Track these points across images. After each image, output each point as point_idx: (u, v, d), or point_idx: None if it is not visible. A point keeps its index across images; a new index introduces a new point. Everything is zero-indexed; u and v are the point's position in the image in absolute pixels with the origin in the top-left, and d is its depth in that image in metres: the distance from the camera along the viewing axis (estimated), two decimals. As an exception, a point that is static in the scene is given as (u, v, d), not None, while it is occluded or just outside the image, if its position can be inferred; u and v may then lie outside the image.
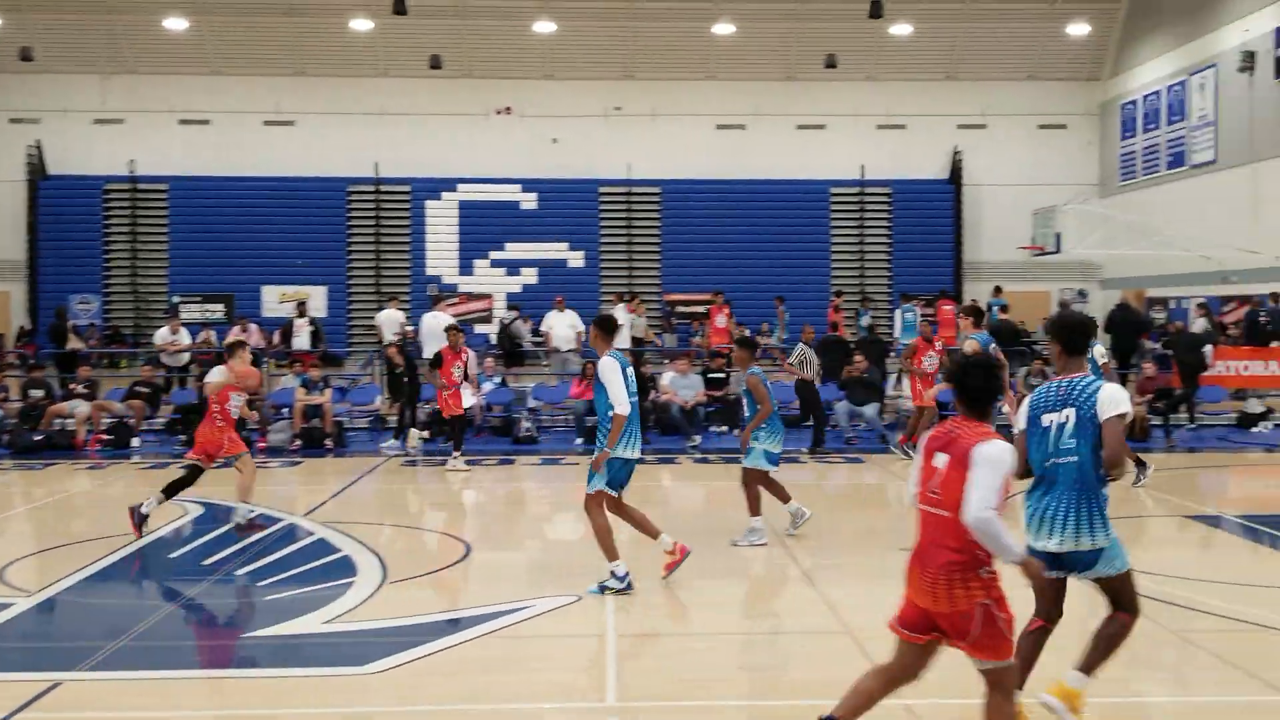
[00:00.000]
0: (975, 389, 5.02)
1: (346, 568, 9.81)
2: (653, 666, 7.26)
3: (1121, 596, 5.92)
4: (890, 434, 18.81)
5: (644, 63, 32.48)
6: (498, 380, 20.59)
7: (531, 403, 20.04)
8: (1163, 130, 30.31)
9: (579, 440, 18.45)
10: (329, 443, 18.38)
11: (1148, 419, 18.83)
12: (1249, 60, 25.99)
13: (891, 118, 32.77)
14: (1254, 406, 20.47)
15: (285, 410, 19.06)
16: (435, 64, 30.56)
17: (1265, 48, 25.54)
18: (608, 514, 8.77)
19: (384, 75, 32.06)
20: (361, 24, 30.04)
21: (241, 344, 12.55)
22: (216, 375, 11.77)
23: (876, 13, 27.71)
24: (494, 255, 31.61)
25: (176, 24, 30.25)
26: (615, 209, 32.28)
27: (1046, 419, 5.69)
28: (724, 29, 30.54)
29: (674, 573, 9.02)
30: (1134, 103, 31.81)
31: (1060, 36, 32.02)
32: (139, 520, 10.86)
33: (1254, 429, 19.96)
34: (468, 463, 16.07)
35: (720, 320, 25.16)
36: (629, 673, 7.07)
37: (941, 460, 4.94)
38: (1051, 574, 5.69)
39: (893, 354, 21.97)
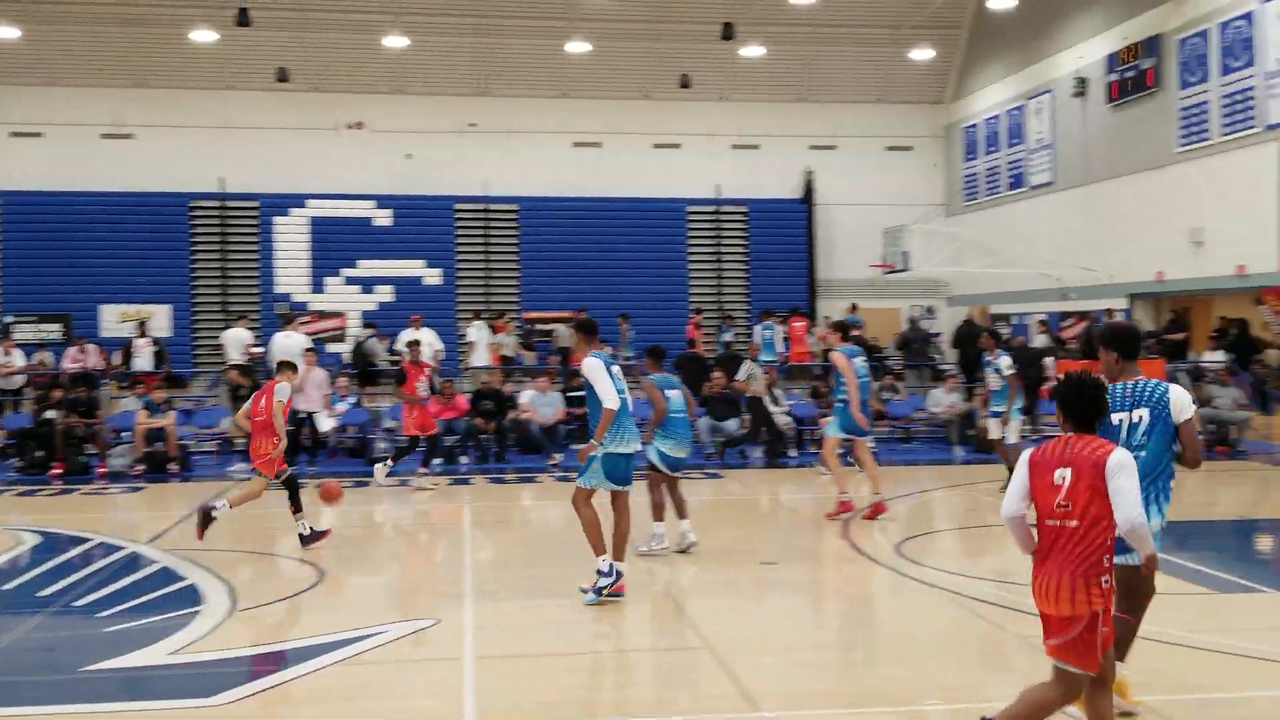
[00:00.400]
0: (1082, 406, 5.32)
1: (192, 596, 9.46)
2: (512, 689, 7.13)
3: (1146, 584, 6.25)
4: (748, 448, 19.05)
5: (498, 79, 32.32)
6: (352, 400, 20.14)
7: (388, 423, 19.66)
8: (1003, 152, 31.49)
9: (437, 461, 18.16)
10: (173, 467, 17.73)
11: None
12: (1082, 86, 27.19)
13: (745, 137, 33.28)
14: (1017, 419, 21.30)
15: (126, 434, 18.29)
16: (282, 77, 29.82)
17: (1097, 74, 26.77)
18: (585, 508, 9.04)
19: (229, 88, 31.14)
20: (204, 35, 29.09)
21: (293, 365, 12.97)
22: (285, 393, 12.11)
23: (728, 35, 28.13)
24: (347, 273, 30.94)
25: (8, 32, 28.87)
26: (472, 226, 31.98)
27: (1116, 417, 6.17)
28: (579, 47, 30.60)
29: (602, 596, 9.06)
30: (976, 126, 32.98)
31: (906, 61, 33.00)
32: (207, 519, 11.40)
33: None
34: (432, 482, 15.98)
35: (580, 338, 25.09)
36: (487, 696, 6.92)
37: (1064, 474, 5.19)
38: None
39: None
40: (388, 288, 30.85)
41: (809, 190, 33.38)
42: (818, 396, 19.93)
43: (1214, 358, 21.35)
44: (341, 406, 19.59)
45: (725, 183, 32.81)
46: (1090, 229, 27.04)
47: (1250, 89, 21.92)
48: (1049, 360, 21.04)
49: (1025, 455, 5.45)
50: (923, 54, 32.46)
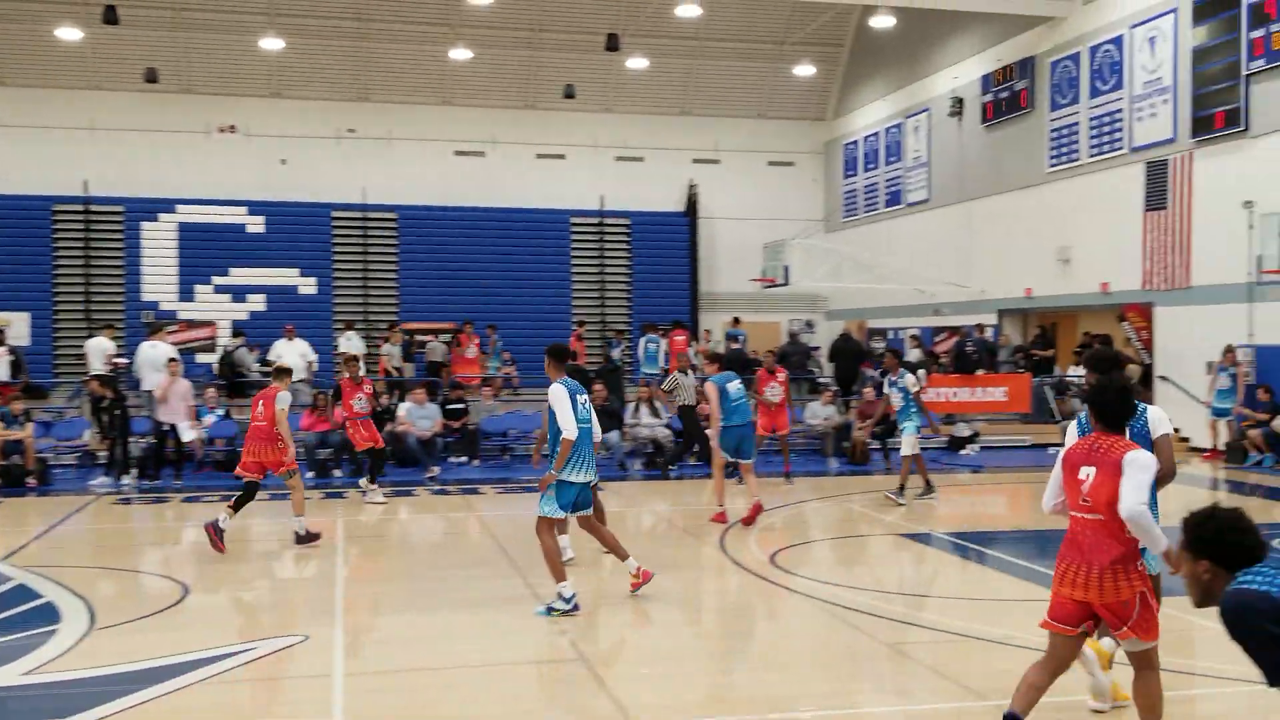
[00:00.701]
0: (1111, 409, 5.68)
1: (49, 614, 9.04)
2: (383, 704, 6.93)
3: None
4: (629, 460, 19.02)
5: (378, 85, 31.87)
6: (221, 413, 19.55)
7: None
8: (882, 170, 32.13)
9: (310, 474, 17.72)
10: (31, 481, 16.99)
11: (867, 443, 19.77)
12: (958, 106, 27.90)
13: (629, 149, 33.37)
14: (962, 430, 21.84)
15: (-20, 446, 17.45)
16: (151, 77, 28.85)
17: (973, 95, 27.49)
18: (546, 536, 9.07)
19: (95, 88, 30.09)
20: (69, 33, 28.05)
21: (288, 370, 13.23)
22: (285, 401, 12.29)
23: (613, 46, 28.17)
24: (218, 281, 30.09)
25: None
26: (349, 234, 31.40)
27: None
28: (461, 54, 30.33)
29: (639, 590, 9.39)
30: (855, 143, 33.60)
31: (789, 77, 33.47)
32: (218, 534, 11.70)
33: (962, 451, 21.30)
34: (384, 496, 15.45)
35: (470, 351, 24.82)
36: (357, 714, 6.71)
37: (1088, 472, 5.52)
38: None
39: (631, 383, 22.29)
40: (260, 296, 30.11)
41: (692, 203, 33.61)
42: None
43: (1078, 373, 22.02)
44: (209, 419, 19.00)
45: (609, 194, 32.83)
46: (963, 246, 27.72)
47: (1118, 112, 22.72)
48: (922, 373, 21.45)
49: (1061, 453, 5.81)
50: (804, 70, 32.96)
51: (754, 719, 6.66)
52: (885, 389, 15.99)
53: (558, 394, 8.98)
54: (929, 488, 15.27)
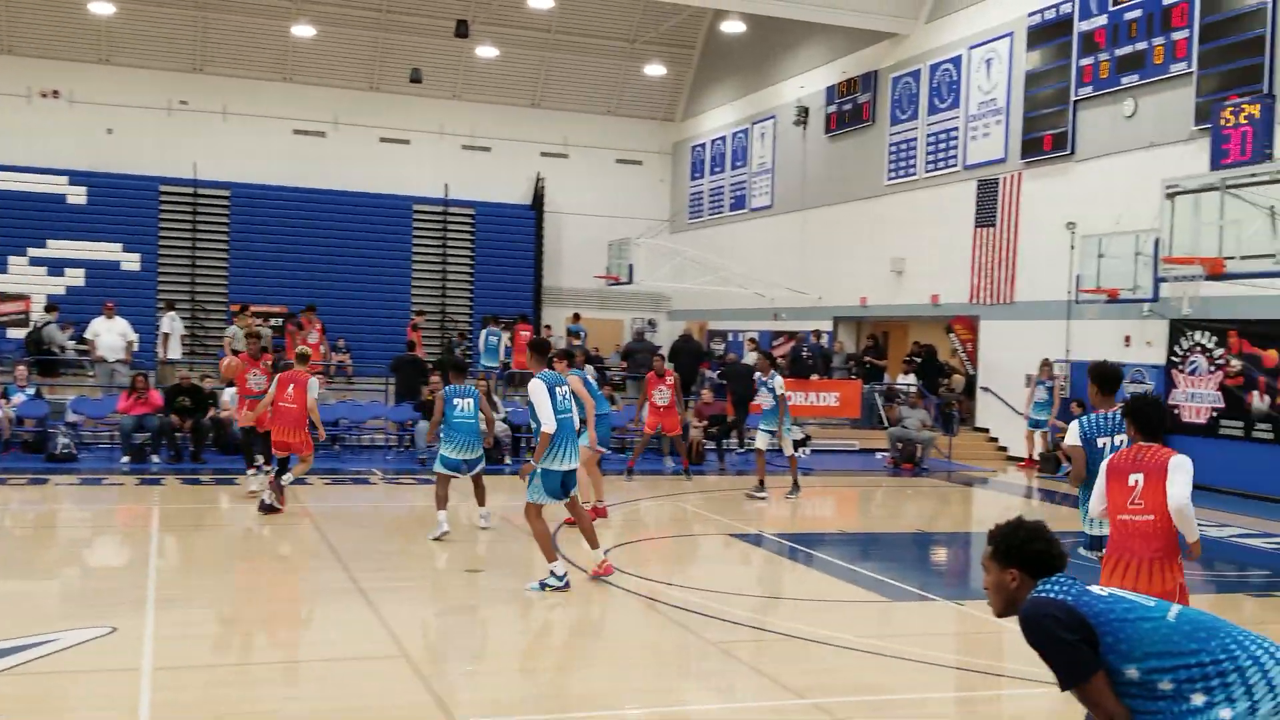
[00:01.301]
0: (1152, 420, 6.30)
1: None
2: (192, 701, 6.60)
3: None
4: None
5: (215, 57, 30.73)
6: (31, 391, 18.50)
7: (71, 416, 18.16)
8: (727, 174, 32.52)
9: (125, 459, 16.92)
10: None
11: (704, 443, 19.95)
12: (803, 115, 28.42)
13: (476, 138, 32.99)
14: (795, 434, 22.20)
15: None
16: (-29, 35, 27.22)
17: (817, 105, 28.04)
18: (536, 520, 9.48)
19: (-94, 42, 28.26)
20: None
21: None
22: (315, 389, 12.93)
23: (462, 32, 27.78)
24: (34, 253, 28.53)
25: None
26: (178, 210, 30.17)
27: (1101, 440, 7.28)
28: (304, 31, 29.48)
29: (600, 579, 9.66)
30: (703, 145, 33.93)
31: (639, 76, 33.58)
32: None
33: (795, 454, 21.65)
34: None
35: (313, 336, 24.09)
36: (165, 709, 6.38)
37: (1137, 479, 6.08)
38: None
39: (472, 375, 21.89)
40: (79, 271, 28.70)
41: (539, 197, 33.43)
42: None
43: (906, 381, 22.68)
44: (18, 397, 17.96)
45: (454, 183, 32.41)
46: (803, 253, 28.26)
47: (954, 130, 23.47)
48: (759, 376, 21.73)
49: (1104, 463, 6.34)
50: (655, 70, 33.13)
51: (579, 715, 6.59)
52: (758, 389, 16.57)
53: (536, 388, 9.35)
54: (795, 488, 15.94)
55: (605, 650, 8.29)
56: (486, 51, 31.15)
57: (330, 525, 12.51)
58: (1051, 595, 3.64)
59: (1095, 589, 3.69)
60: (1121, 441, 7.12)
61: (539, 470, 9.44)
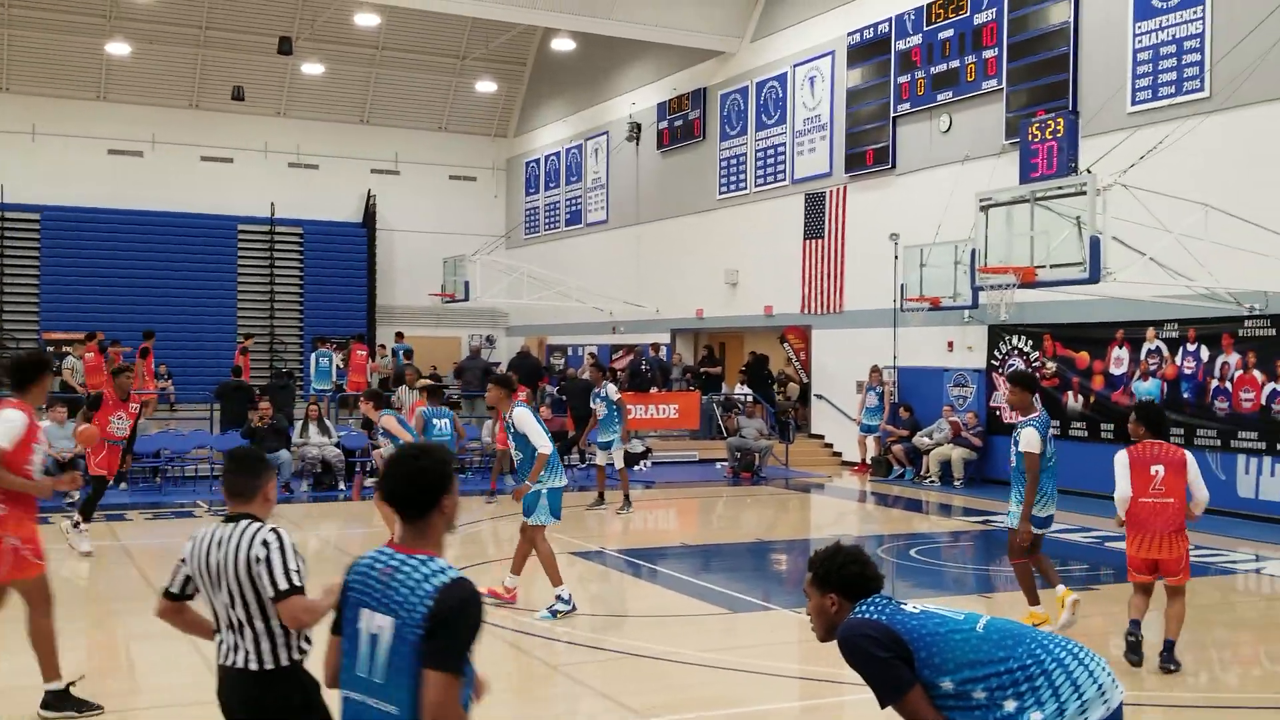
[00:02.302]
0: (1158, 421, 8.08)
1: None
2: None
3: (1037, 542, 8.99)
4: (295, 482, 18.19)
5: (23, 74, 29.27)
6: None
7: None
8: (562, 189, 32.52)
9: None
10: None
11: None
12: (636, 131, 28.63)
13: (303, 156, 32.22)
14: (636, 447, 22.29)
15: None
16: None
17: (649, 121, 28.28)
18: (543, 543, 9.52)
19: None
20: None
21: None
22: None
23: (286, 49, 27.10)
24: None
25: None
26: (-14, 235, 28.59)
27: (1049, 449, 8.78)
28: (119, 48, 28.31)
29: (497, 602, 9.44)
30: (537, 161, 33.86)
31: (470, 92, 33.33)
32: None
33: (635, 467, 21.74)
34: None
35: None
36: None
37: (1158, 469, 7.73)
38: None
39: (301, 398, 21.40)
40: (-126, 299, 26.92)
41: (370, 214, 32.83)
42: (369, 427, 19.43)
43: (743, 390, 23.01)
44: None
45: (281, 202, 31.58)
46: (639, 267, 28.45)
47: (781, 145, 23.97)
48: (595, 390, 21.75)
49: (1124, 456, 7.87)
50: (486, 87, 32.93)
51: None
52: (592, 401, 16.63)
53: (523, 418, 9.50)
54: (626, 501, 15.96)
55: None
56: (312, 68, 30.47)
57: (151, 563, 11.95)
58: (867, 616, 3.71)
59: (908, 607, 3.78)
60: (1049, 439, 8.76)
61: (544, 491, 9.51)
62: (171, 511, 15.95)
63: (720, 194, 25.83)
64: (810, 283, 23.10)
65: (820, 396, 23.09)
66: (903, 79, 20.84)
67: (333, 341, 25.67)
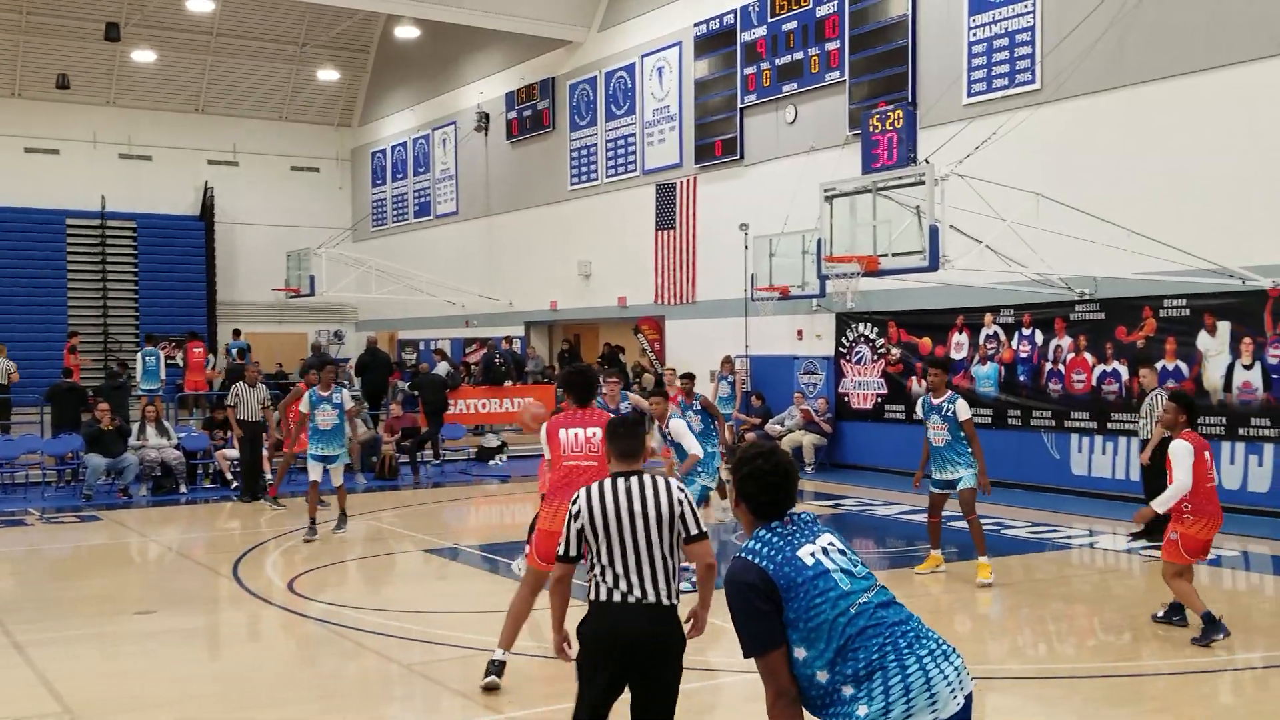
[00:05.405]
0: (1194, 410, 8.64)
1: None
2: None
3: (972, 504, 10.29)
4: (134, 486, 17.45)
5: None
6: None
7: None
8: (410, 180, 31.98)
9: None
10: None
11: (396, 457, 19.49)
12: (484, 121, 28.32)
13: (135, 147, 30.96)
14: (491, 441, 22.11)
15: None
16: None
17: (498, 111, 28.01)
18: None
19: None
20: None
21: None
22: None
23: (113, 35, 25.98)
24: None
25: None
26: None
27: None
28: (-68, 32, 26.75)
29: None
30: (384, 151, 33.23)
31: (312, 81, 32.51)
32: None
33: (490, 462, 21.56)
34: None
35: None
36: None
37: (1207, 455, 8.29)
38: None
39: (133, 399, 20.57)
40: None
41: (208, 207, 31.76)
42: (211, 428, 18.81)
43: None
44: None
45: (112, 194, 30.30)
46: (491, 259, 28.20)
47: (632, 136, 24.01)
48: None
49: (1189, 445, 8.17)
50: (328, 75, 32.19)
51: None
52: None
53: (679, 425, 10.52)
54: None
55: (296, 686, 7.87)
56: (143, 55, 29.29)
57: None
58: (752, 559, 3.57)
59: (806, 554, 3.58)
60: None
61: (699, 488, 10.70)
62: (1, 520, 15.11)
63: (571, 185, 25.76)
64: (663, 273, 23.23)
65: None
66: (749, 70, 21.08)
67: (169, 340, 24.73)
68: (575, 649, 4.86)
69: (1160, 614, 8.66)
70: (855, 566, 3.64)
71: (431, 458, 20.59)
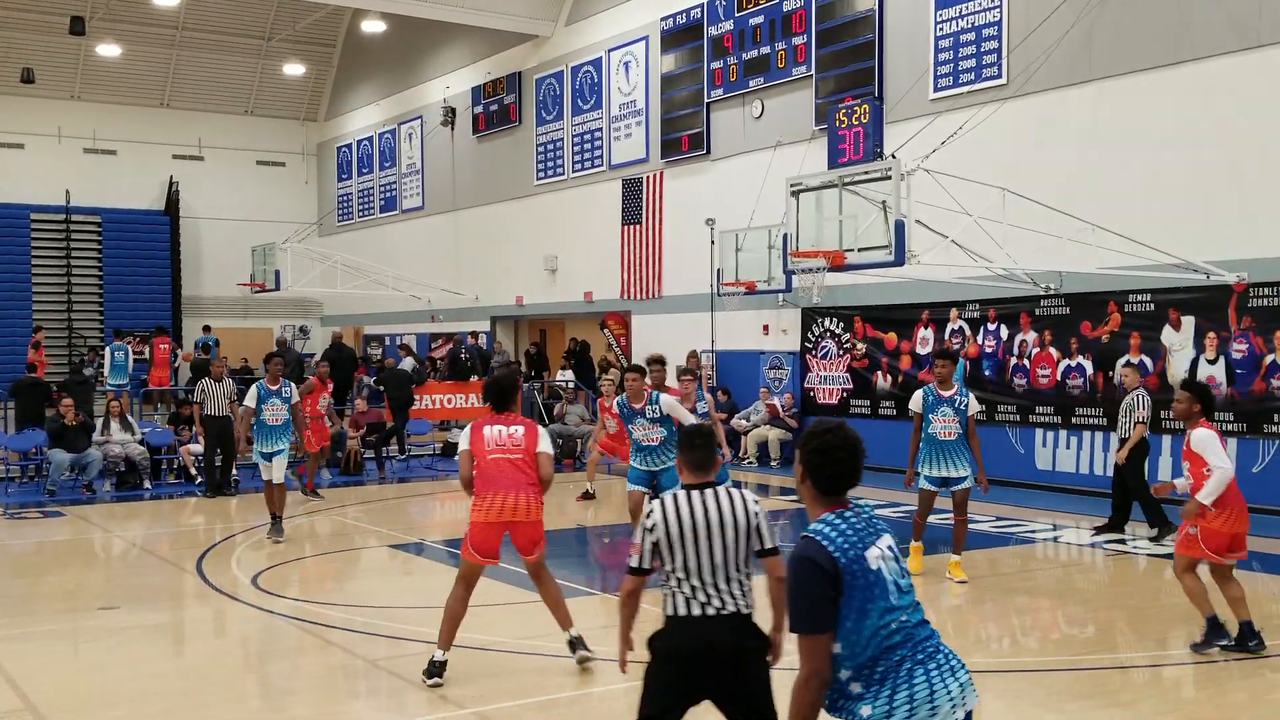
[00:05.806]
0: (1210, 399, 8.13)
1: None
2: None
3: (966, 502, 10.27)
4: (98, 481, 17.29)
5: None
6: None
7: None
8: (376, 175, 31.83)
9: None
10: None
11: (361, 452, 19.42)
12: (450, 115, 28.22)
13: (99, 141, 30.67)
14: (456, 436, 22.04)
15: None
16: None
17: (464, 105, 27.92)
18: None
19: None
20: None
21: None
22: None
23: (78, 29, 25.71)
24: None
25: None
26: None
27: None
28: (-109, 24, 26.38)
29: None
30: (350, 146, 33.05)
31: (277, 75, 32.29)
32: None
33: (456, 457, 21.51)
34: None
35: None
36: None
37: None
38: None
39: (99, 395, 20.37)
40: None
41: (173, 201, 31.51)
42: (176, 423, 18.66)
43: (565, 376, 23.00)
44: None
45: (77, 189, 30.02)
46: (457, 254, 28.11)
47: (598, 130, 23.99)
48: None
49: (1214, 434, 7.80)
50: (294, 69, 31.99)
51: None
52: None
53: (669, 402, 10.20)
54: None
55: (261, 682, 7.84)
56: (108, 49, 29.00)
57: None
58: (824, 542, 3.55)
59: (872, 557, 3.58)
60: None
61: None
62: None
63: (538, 179, 25.71)
64: (629, 268, 23.23)
65: (641, 381, 23.21)
66: (716, 65, 21.11)
67: (135, 335, 24.53)
68: (642, 660, 4.75)
69: (1199, 640, 7.90)
70: (903, 578, 3.66)
71: (397, 453, 20.52)
